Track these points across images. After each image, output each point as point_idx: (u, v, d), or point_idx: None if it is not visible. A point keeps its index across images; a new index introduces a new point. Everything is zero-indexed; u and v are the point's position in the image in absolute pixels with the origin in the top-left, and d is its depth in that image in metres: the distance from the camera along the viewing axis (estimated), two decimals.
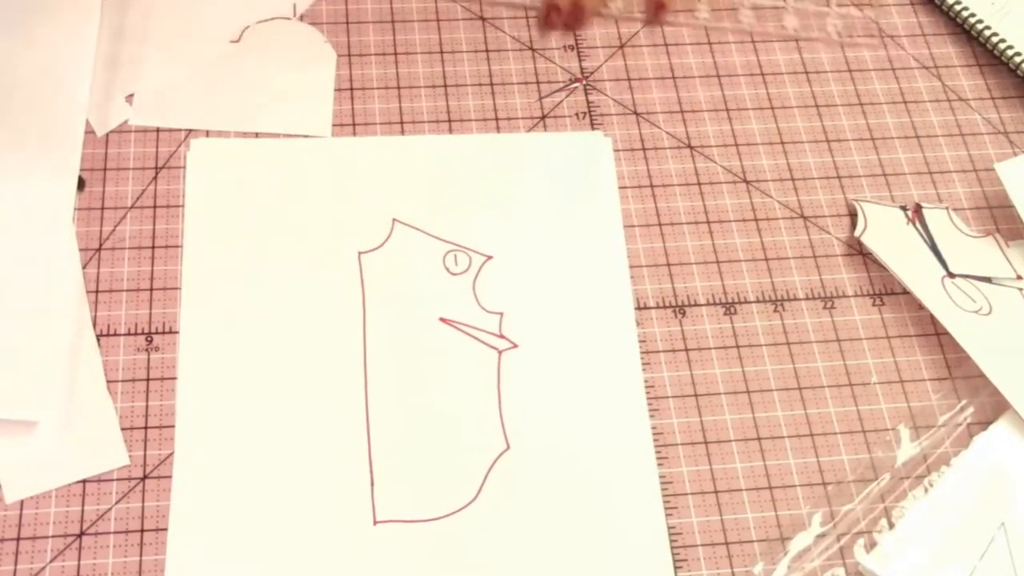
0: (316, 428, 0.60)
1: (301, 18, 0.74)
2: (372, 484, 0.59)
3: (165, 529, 0.57)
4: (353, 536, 0.57)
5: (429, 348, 0.63)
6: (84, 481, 0.58)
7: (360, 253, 0.66)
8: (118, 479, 0.58)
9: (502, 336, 0.64)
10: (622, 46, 0.75)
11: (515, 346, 0.64)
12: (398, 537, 0.57)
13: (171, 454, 0.59)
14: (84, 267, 0.64)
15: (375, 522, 0.58)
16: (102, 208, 0.66)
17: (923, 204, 0.70)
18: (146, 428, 0.59)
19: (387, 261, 0.66)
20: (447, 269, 0.66)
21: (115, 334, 0.62)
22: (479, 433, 0.61)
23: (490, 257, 0.66)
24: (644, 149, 0.71)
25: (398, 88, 0.72)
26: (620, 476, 0.60)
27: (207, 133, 0.69)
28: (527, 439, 0.61)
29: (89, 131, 0.68)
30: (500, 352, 0.63)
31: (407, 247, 0.66)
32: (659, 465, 0.61)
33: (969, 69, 0.77)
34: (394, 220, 0.67)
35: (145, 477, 0.58)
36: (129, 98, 0.70)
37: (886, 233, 0.68)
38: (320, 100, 0.71)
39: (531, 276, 0.66)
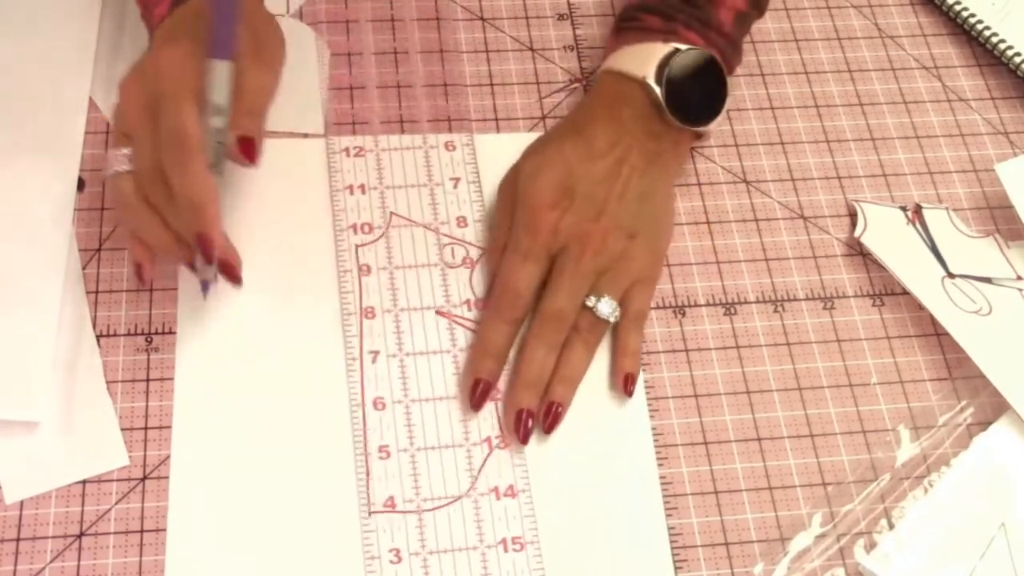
0: (312, 422, 0.60)
1: (300, 16, 0.74)
2: (368, 476, 0.59)
3: (165, 529, 0.57)
4: (349, 530, 0.57)
5: (425, 340, 0.63)
6: (84, 481, 0.58)
7: (357, 246, 0.66)
8: (118, 479, 0.58)
9: None
10: None
11: None
12: (392, 529, 0.57)
13: (171, 454, 0.59)
14: (84, 267, 0.64)
15: (370, 514, 0.58)
16: (102, 208, 0.66)
17: (923, 204, 0.70)
18: (146, 428, 0.59)
19: (383, 254, 0.66)
20: (444, 262, 0.66)
21: (115, 334, 0.62)
22: (474, 425, 0.61)
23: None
24: None
25: (397, 87, 0.72)
26: (620, 476, 0.60)
27: None
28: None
29: (89, 131, 0.68)
30: None
31: (404, 240, 0.66)
32: (659, 465, 0.61)
33: (969, 69, 0.77)
34: (391, 213, 0.67)
35: (145, 477, 0.58)
36: None
37: (886, 233, 0.68)
38: (313, 98, 0.71)
39: None
